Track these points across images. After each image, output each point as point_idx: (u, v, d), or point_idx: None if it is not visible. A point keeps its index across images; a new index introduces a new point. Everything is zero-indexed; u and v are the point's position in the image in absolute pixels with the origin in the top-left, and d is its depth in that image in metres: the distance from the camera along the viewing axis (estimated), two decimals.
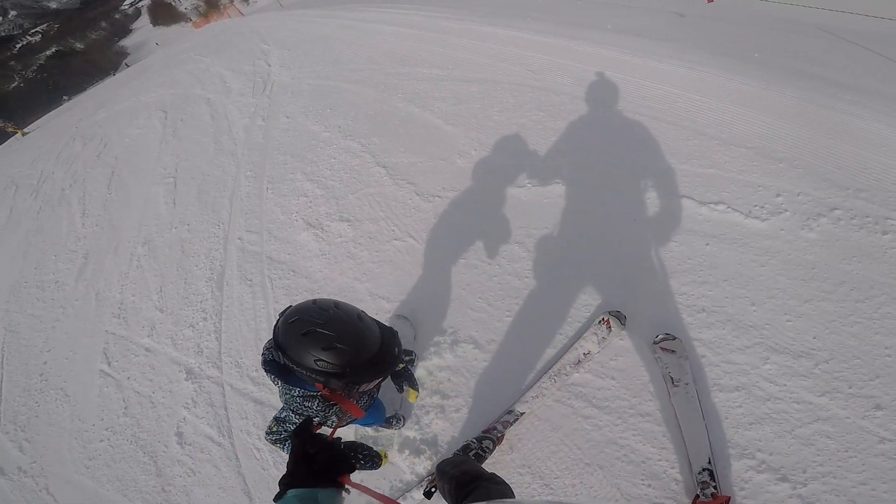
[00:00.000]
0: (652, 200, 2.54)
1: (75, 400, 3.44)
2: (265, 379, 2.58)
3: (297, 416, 1.26)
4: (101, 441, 3.06)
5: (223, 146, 5.52)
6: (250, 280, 3.48)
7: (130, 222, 5.09)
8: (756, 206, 2.19)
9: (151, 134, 7.34)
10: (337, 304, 1.12)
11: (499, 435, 1.88)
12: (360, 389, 1.16)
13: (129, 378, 3.32)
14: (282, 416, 1.30)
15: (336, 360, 1.05)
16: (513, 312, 2.39)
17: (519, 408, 1.95)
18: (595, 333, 1.98)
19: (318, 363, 1.05)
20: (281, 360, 1.13)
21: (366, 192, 3.61)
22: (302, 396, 1.22)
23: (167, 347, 3.36)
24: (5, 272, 5.84)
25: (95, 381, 3.45)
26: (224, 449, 2.63)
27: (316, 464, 0.88)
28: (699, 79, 3.31)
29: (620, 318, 2.01)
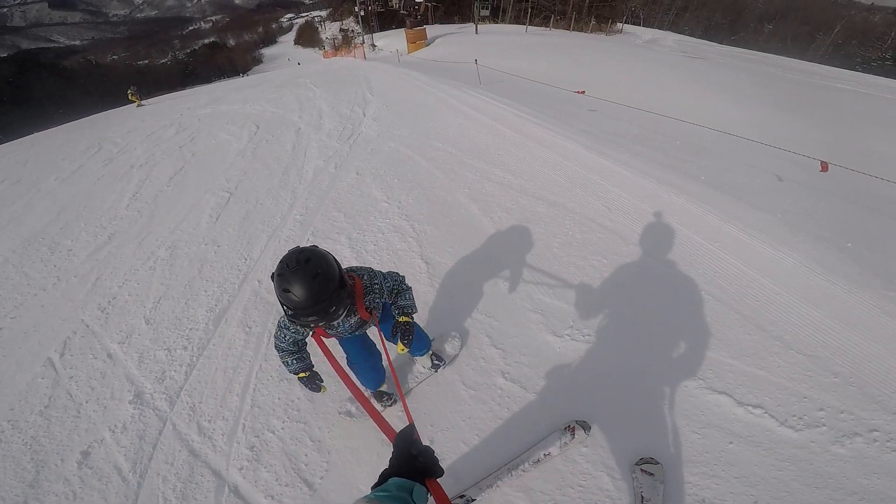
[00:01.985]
0: (688, 388, 2.30)
1: None
2: (214, 431, 2.55)
3: (281, 326, 1.87)
4: None
5: (289, 180, 5.62)
6: (249, 327, 3.26)
7: (169, 221, 5.15)
8: (794, 416, 2.08)
9: (235, 143, 7.77)
10: (308, 259, 1.47)
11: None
12: (318, 324, 1.58)
13: (70, 378, 3.10)
14: (280, 322, 1.87)
15: (285, 302, 1.49)
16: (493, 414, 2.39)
17: (471, 493, 2.00)
18: (559, 438, 2.09)
19: (280, 297, 1.49)
20: None
21: None
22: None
23: (131, 362, 3.13)
24: (34, 221, 6.06)
25: (34, 368, 3.25)
26: (127, 487, 2.36)
27: (418, 463, 1.02)
28: (779, 264, 2.94)
29: (585, 427, 2.12)
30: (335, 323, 1.77)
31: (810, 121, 8.09)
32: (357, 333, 2.03)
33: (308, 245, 1.58)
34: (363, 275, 1.83)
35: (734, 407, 2.15)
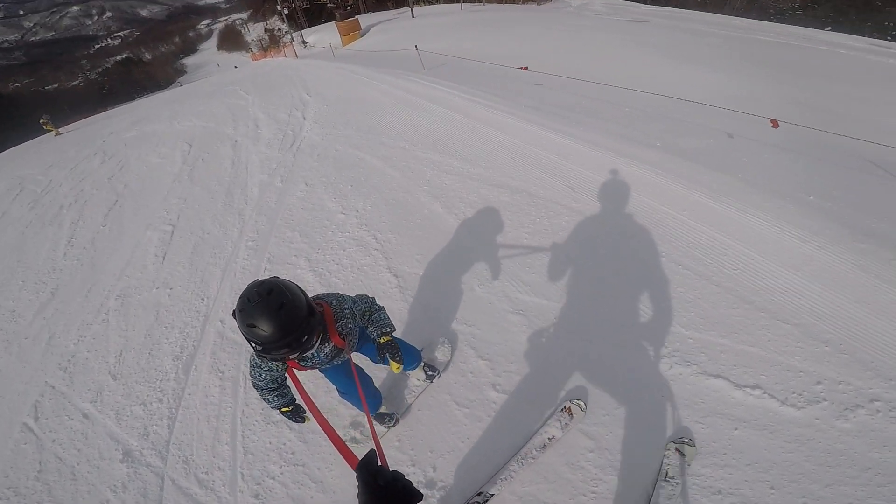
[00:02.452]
0: (683, 376, 2.21)
1: None
2: (214, 482, 2.43)
3: (254, 365, 1.75)
4: (0, 499, 2.70)
5: (233, 202, 5.19)
6: (222, 372, 3.02)
7: (112, 267, 4.67)
8: (794, 392, 2.05)
9: (169, 167, 7.15)
10: (270, 290, 1.37)
11: None
12: (291, 356, 1.49)
13: (53, 441, 2.93)
14: (251, 361, 1.75)
15: (252, 338, 1.38)
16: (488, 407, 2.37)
17: (488, 489, 1.99)
18: (558, 420, 2.10)
19: (245, 334, 1.37)
20: None
21: None
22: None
23: (109, 420, 2.95)
24: None
25: (13, 434, 3.07)
26: None
27: (388, 495, 0.92)
28: (750, 226, 2.93)
29: (581, 405, 2.13)
30: (309, 354, 1.65)
31: (747, 75, 8.34)
32: (336, 363, 1.90)
33: (267, 277, 1.49)
34: (331, 301, 1.74)
35: (732, 390, 2.09)
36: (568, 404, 2.15)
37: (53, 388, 3.36)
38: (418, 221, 3.84)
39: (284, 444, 2.48)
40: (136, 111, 15.55)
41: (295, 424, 2.47)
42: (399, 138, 5.59)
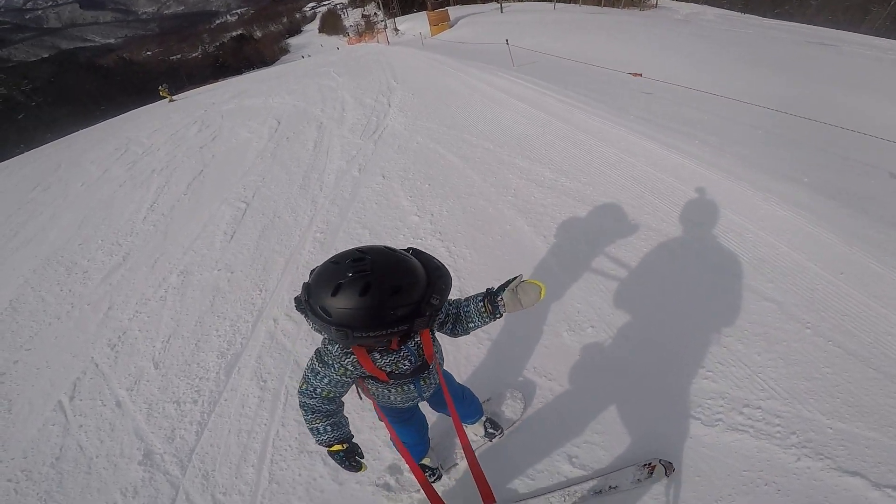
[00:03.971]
0: (811, 471, 1.76)
1: (12, 421, 2.96)
2: None
3: (320, 364, 1.29)
4: (9, 481, 2.56)
5: (309, 186, 5.07)
6: (264, 381, 2.74)
7: (183, 238, 4.71)
8: None
9: (255, 143, 7.31)
10: (389, 269, 1.07)
11: None
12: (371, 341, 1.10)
13: (80, 426, 2.79)
14: (313, 364, 1.31)
15: (324, 307, 1.07)
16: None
17: None
18: (633, 473, 1.84)
19: (316, 302, 1.09)
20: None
21: None
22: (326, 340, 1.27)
23: (139, 414, 2.76)
24: (56, 236, 5.82)
25: (45, 412, 2.96)
26: None
27: None
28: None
29: (668, 466, 1.83)
30: (393, 357, 1.31)
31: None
32: (413, 390, 1.46)
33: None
34: None
35: (869, 490, 1.69)
36: (654, 462, 1.84)
37: (97, 366, 3.24)
38: (499, 238, 3.37)
39: (315, 479, 2.14)
40: (239, 85, 16.57)
41: (331, 462, 2.06)
42: (483, 137, 5.13)
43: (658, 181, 3.59)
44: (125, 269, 4.44)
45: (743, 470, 1.79)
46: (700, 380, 2.14)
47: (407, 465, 1.62)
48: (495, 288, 1.41)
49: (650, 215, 3.23)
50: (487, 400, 2.21)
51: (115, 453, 2.56)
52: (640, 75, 6.11)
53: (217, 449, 2.43)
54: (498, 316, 1.39)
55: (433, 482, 1.97)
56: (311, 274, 1.15)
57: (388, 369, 1.31)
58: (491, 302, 1.39)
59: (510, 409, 2.16)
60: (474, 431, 2.09)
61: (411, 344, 1.32)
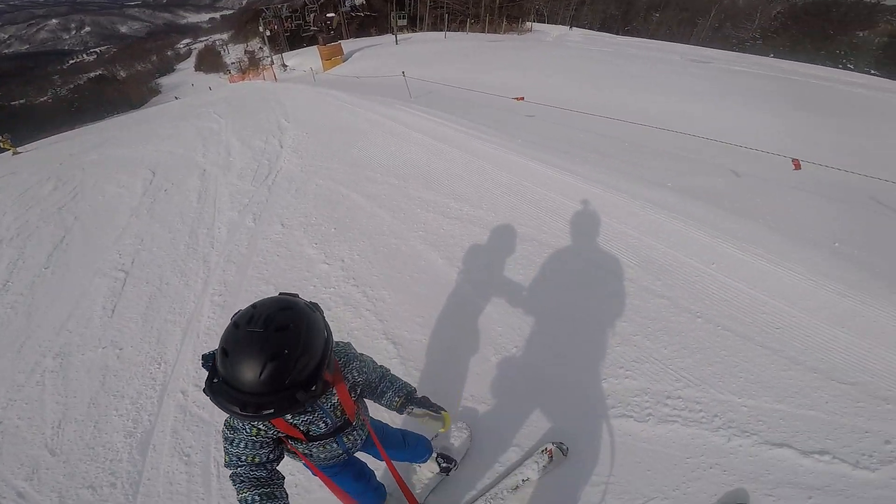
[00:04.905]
0: (743, 448, 1.98)
1: None
2: None
3: (230, 430, 1.18)
4: None
5: (197, 245, 4.55)
6: (188, 455, 2.44)
7: (52, 319, 3.94)
8: (864, 455, 1.90)
9: (127, 198, 6.43)
10: (282, 326, 0.97)
11: None
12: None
13: None
14: (228, 423, 1.19)
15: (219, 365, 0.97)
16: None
17: None
18: (536, 461, 1.99)
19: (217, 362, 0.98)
20: None
21: None
22: None
23: (50, 503, 2.40)
24: None
25: None
26: None
27: None
28: (785, 282, 2.68)
29: (563, 449, 2.02)
30: (307, 418, 1.24)
31: (738, 108, 8.32)
32: (337, 447, 1.36)
33: (304, 300, 1.09)
34: (338, 347, 1.33)
35: (800, 458, 1.90)
36: (549, 447, 2.02)
37: None
38: (415, 275, 3.32)
39: None
40: (103, 132, 14.66)
41: None
42: (388, 173, 5.11)
43: (549, 200, 3.86)
44: None
45: (686, 458, 1.95)
46: (622, 379, 2.32)
47: None
48: (418, 396, 1.52)
49: (547, 234, 3.47)
50: (436, 436, 2.17)
51: None
52: (523, 99, 6.63)
53: None
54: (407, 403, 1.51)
55: None
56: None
57: (303, 429, 1.24)
58: (404, 405, 1.48)
59: (458, 440, 2.18)
60: (428, 469, 2.04)
61: (326, 405, 1.24)
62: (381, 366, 1.51)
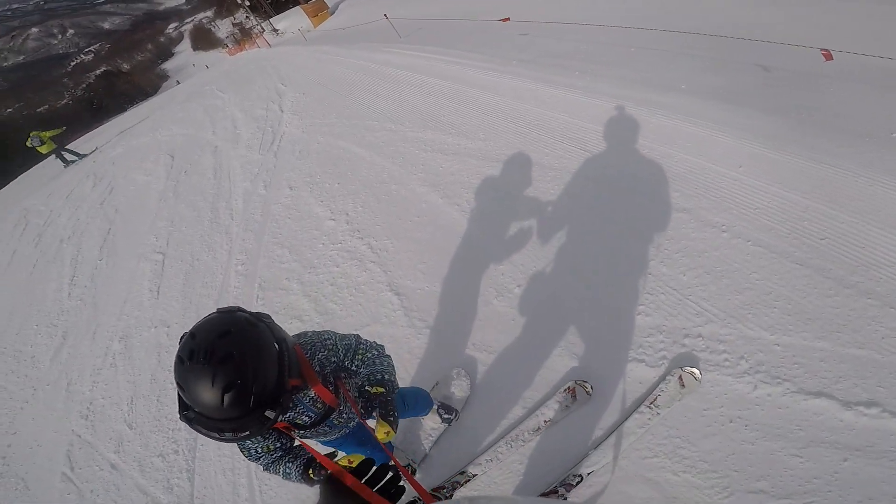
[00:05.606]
0: (772, 397, 1.67)
1: (35, 496, 3.05)
2: None
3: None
4: None
5: (219, 218, 4.81)
6: None
7: (112, 306, 4.43)
8: None
9: (154, 184, 6.80)
10: (224, 358, 0.93)
11: (447, 495, 1.88)
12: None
13: (91, 492, 2.86)
14: None
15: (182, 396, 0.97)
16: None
17: (472, 470, 1.92)
18: (558, 401, 1.94)
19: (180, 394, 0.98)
20: None
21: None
22: None
23: (134, 471, 2.83)
24: None
25: (57, 484, 3.02)
26: None
27: None
28: (829, 181, 2.29)
29: (586, 387, 1.92)
30: (289, 416, 1.25)
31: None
32: (335, 430, 1.42)
33: (244, 312, 1.06)
34: (306, 338, 1.31)
35: (840, 411, 1.58)
36: (572, 385, 1.93)
37: (80, 436, 3.26)
38: (416, 220, 3.37)
39: (304, 501, 2.20)
40: (122, 124, 15.15)
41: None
42: (384, 118, 5.04)
43: (550, 120, 3.70)
44: (69, 347, 4.28)
45: (703, 409, 1.71)
46: (633, 316, 2.09)
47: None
48: (386, 399, 1.27)
49: (549, 156, 3.34)
50: (436, 385, 2.25)
51: None
52: (508, 19, 6.16)
53: (212, 490, 2.50)
54: (363, 396, 1.28)
55: None
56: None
57: (288, 424, 1.27)
58: (367, 395, 1.28)
59: (458, 388, 2.20)
60: (431, 421, 2.10)
61: (305, 400, 1.25)
62: (360, 342, 1.38)
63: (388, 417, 1.22)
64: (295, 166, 4.99)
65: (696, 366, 1.81)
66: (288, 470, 1.30)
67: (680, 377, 1.77)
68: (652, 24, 5.63)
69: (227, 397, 0.91)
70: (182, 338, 0.98)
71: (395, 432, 1.23)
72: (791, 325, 1.82)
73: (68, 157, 11.99)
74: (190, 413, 0.97)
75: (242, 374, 0.93)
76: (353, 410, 1.32)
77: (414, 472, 2.01)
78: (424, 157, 4.01)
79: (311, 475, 1.29)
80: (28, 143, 11.78)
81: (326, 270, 3.33)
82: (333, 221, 3.77)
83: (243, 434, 0.98)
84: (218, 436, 0.97)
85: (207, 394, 0.91)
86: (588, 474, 1.71)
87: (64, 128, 12.77)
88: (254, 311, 1.09)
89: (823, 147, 2.49)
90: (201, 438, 2.72)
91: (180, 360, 0.93)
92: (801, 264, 1.99)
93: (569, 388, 1.94)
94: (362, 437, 1.61)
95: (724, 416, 1.67)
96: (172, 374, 0.95)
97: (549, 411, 1.92)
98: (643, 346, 1.99)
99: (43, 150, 11.91)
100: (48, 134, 11.84)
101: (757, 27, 5.37)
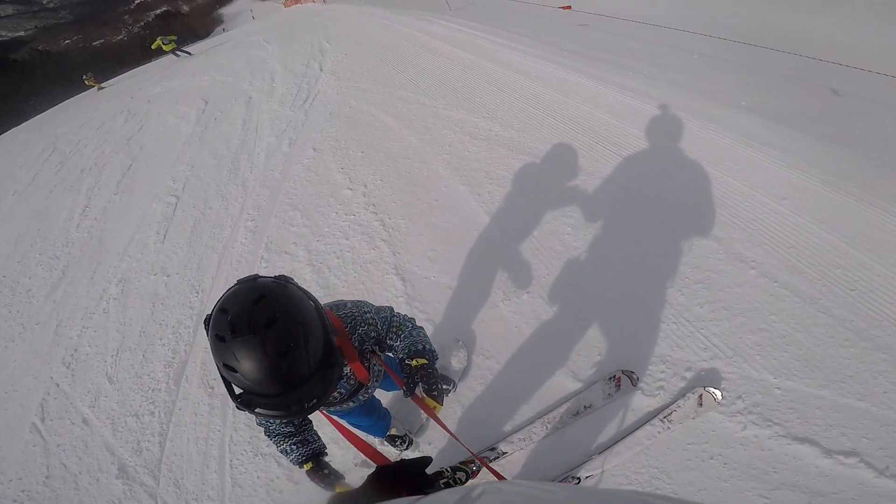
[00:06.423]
0: (758, 440, 1.64)
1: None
2: None
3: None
4: (14, 501, 2.59)
5: (239, 170, 4.74)
6: (211, 388, 2.67)
7: (117, 244, 4.42)
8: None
9: (183, 128, 6.80)
10: (270, 322, 0.84)
11: (475, 469, 1.81)
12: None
13: (58, 446, 2.78)
14: None
15: (234, 383, 0.89)
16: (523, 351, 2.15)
17: (503, 447, 1.88)
18: (602, 388, 1.89)
19: (223, 374, 0.88)
20: None
21: None
22: None
23: (105, 429, 2.73)
24: None
25: (24, 434, 2.94)
26: None
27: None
28: (879, 227, 2.14)
29: (632, 378, 1.87)
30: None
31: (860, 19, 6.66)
32: (353, 404, 1.40)
33: (265, 277, 0.96)
34: (342, 308, 1.24)
35: (819, 458, 1.55)
36: (618, 374, 1.88)
37: (58, 385, 3.18)
38: (434, 203, 3.20)
39: (272, 480, 2.12)
40: (168, 66, 15.29)
41: (285, 461, 1.94)
42: (419, 91, 4.84)
43: (592, 119, 3.44)
44: (66, 284, 4.24)
45: (687, 443, 1.67)
46: (640, 342, 2.00)
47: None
48: (428, 371, 1.25)
49: (585, 157, 3.11)
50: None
51: (94, 469, 2.55)
52: (570, 7, 5.80)
53: (181, 457, 2.42)
54: (405, 371, 1.26)
55: (406, 448, 1.99)
56: None
57: None
58: (408, 369, 1.25)
59: (456, 359, 2.19)
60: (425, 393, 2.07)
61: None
62: (394, 314, 1.33)
63: (433, 392, 1.23)
64: (323, 128, 4.86)
65: (719, 386, 1.77)
66: (289, 449, 1.28)
67: (700, 396, 1.74)
68: (720, 32, 5.22)
69: (284, 362, 0.84)
70: (207, 321, 0.89)
71: (442, 405, 1.25)
72: (797, 370, 1.76)
73: (180, 54, 15.71)
74: (247, 396, 0.88)
75: (293, 335, 0.86)
76: (376, 385, 1.35)
77: (411, 444, 2.02)
78: (452, 139, 3.81)
79: (310, 468, 1.30)
80: (155, 45, 16.19)
81: (335, 241, 3.21)
82: (351, 191, 3.63)
83: (310, 404, 0.92)
84: (284, 413, 0.90)
85: (263, 364, 0.83)
86: (586, 477, 1.71)
87: (176, 37, 16.88)
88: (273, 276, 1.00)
89: (885, 190, 2.25)
90: (179, 403, 2.65)
91: (221, 340, 0.84)
92: (824, 312, 1.89)
93: (615, 376, 1.89)
94: (369, 408, 1.63)
95: (705, 453, 1.65)
96: (211, 356, 0.85)
97: (592, 396, 1.88)
98: (643, 374, 1.90)
99: (167, 48, 15.81)
100: (171, 37, 16.28)
101: (840, 48, 4.91)
